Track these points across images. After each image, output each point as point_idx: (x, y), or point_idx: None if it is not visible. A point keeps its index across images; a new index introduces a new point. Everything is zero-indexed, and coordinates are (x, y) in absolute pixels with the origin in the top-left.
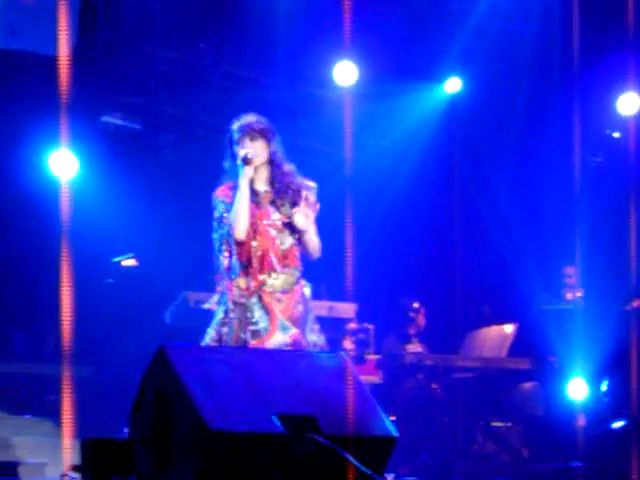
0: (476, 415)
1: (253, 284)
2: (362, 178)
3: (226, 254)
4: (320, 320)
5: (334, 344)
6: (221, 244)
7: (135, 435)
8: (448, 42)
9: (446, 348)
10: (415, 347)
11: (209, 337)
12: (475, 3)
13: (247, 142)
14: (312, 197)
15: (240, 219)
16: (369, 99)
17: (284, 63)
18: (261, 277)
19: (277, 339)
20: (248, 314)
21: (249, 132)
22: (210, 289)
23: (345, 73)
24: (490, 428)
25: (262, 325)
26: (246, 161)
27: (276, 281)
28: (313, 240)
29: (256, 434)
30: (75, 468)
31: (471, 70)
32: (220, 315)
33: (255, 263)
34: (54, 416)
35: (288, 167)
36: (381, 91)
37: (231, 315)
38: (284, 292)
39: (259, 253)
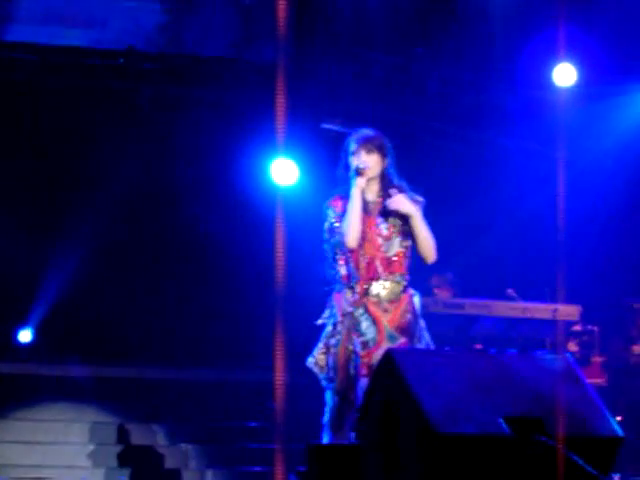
0: None
1: (358, 290)
2: (583, 179)
3: (341, 262)
4: (544, 323)
5: (558, 347)
6: (335, 253)
7: (362, 440)
8: None
9: None
10: None
11: (317, 350)
12: None
13: (363, 154)
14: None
15: (352, 227)
16: (589, 100)
17: (502, 65)
18: (366, 285)
19: (385, 349)
20: (356, 325)
21: (366, 145)
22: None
23: (564, 75)
24: None
25: (370, 336)
26: (359, 172)
27: (382, 290)
28: (426, 230)
29: (483, 437)
30: (300, 474)
31: None
32: (329, 328)
33: (362, 270)
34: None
35: (398, 183)
36: (600, 92)
37: (339, 327)
38: (391, 302)
39: (366, 260)
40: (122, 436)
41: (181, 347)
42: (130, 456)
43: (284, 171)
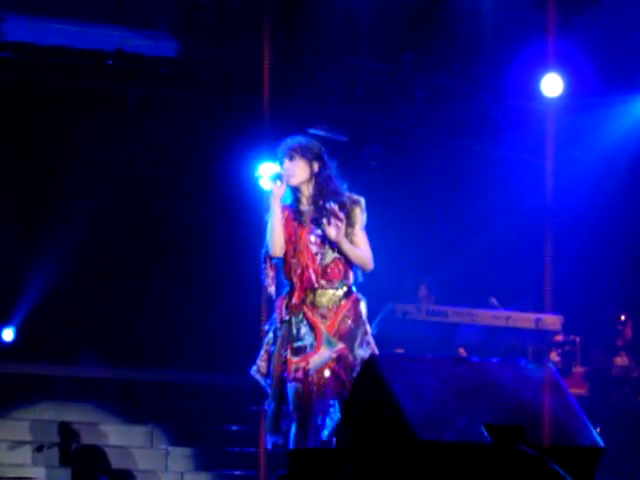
0: None
1: (295, 301)
2: (568, 190)
3: (271, 271)
4: (527, 332)
5: (541, 356)
6: (262, 262)
7: (343, 445)
8: None
9: None
10: (622, 359)
11: (259, 357)
12: None
13: (286, 162)
14: (336, 207)
15: (272, 237)
16: (575, 111)
17: (490, 74)
18: (302, 294)
19: (323, 354)
20: (293, 331)
21: (288, 152)
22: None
23: (551, 85)
24: None
25: (308, 341)
26: (275, 180)
27: (320, 298)
28: (354, 252)
29: (464, 444)
30: (281, 478)
31: None
32: (270, 335)
33: (296, 281)
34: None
35: (333, 186)
36: (587, 103)
37: (277, 333)
38: (329, 308)
39: (299, 271)
40: (102, 437)
41: (163, 349)
42: (110, 457)
43: (271, 174)
